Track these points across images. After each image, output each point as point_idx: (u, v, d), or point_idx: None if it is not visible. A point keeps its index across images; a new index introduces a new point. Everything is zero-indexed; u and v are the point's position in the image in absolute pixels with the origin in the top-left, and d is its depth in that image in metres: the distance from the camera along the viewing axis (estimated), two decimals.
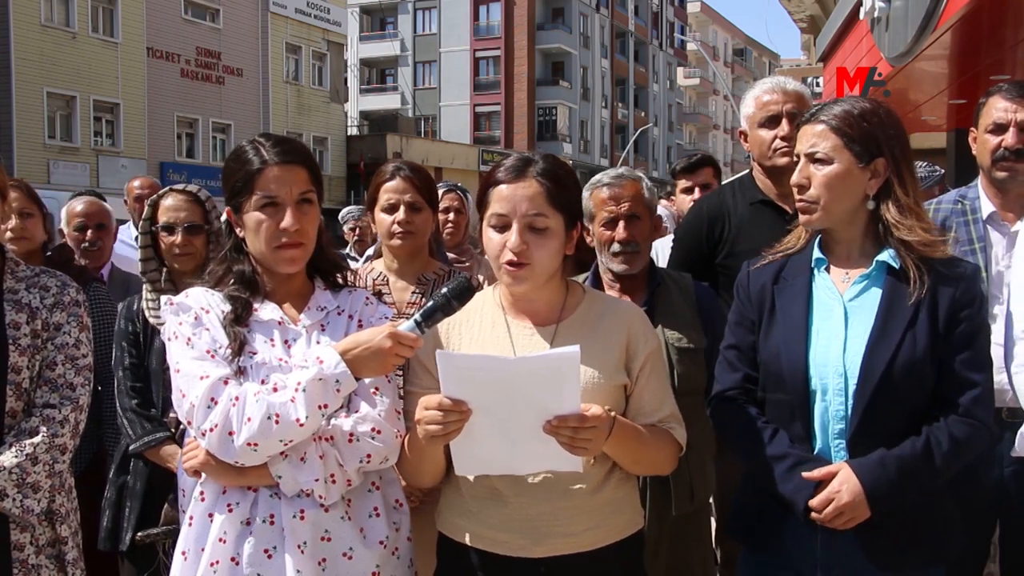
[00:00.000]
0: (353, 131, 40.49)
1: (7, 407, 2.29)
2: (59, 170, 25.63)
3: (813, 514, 2.13)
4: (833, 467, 2.14)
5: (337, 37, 36.27)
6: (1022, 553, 3.04)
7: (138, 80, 27.99)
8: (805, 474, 2.14)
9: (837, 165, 2.18)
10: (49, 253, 3.78)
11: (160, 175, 28.01)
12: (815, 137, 2.21)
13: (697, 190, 5.00)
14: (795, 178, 2.24)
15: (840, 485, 2.10)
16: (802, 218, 2.26)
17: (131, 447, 3.14)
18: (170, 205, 3.26)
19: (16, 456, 2.24)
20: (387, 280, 3.03)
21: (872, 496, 2.09)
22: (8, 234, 3.39)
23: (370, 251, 4.54)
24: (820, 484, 2.13)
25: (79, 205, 4.38)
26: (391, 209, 2.98)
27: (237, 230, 2.22)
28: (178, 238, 3.22)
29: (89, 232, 4.30)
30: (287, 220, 2.13)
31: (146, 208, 3.29)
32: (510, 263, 2.07)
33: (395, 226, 2.95)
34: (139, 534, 3.05)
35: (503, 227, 2.08)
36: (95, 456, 3.62)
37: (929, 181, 4.81)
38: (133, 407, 3.16)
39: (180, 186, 3.37)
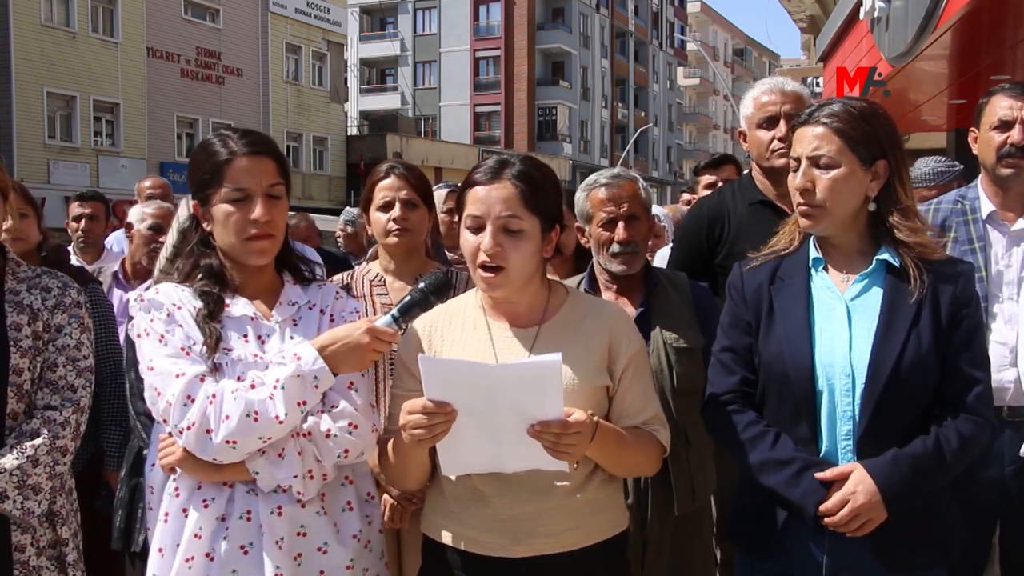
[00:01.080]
0: (353, 131, 40.48)
1: (8, 409, 2.29)
2: (59, 170, 25.61)
3: (826, 519, 2.08)
4: (845, 467, 2.10)
5: (337, 37, 36.25)
6: (1023, 552, 3.05)
7: (138, 80, 27.97)
8: (818, 475, 2.10)
9: (844, 169, 2.14)
10: (44, 254, 3.78)
11: (160, 175, 27.91)
12: (817, 140, 2.16)
13: (720, 184, 5.07)
14: (799, 182, 2.18)
15: (855, 486, 2.06)
16: (804, 223, 2.22)
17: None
18: None
19: (17, 458, 2.23)
20: (384, 281, 3.01)
21: (888, 496, 2.05)
22: (3, 235, 3.39)
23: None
24: (831, 487, 2.10)
25: (151, 207, 4.38)
26: (386, 207, 2.97)
27: (204, 224, 2.20)
28: None
29: (162, 236, 4.33)
30: (257, 211, 2.13)
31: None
32: (484, 266, 2.07)
33: (391, 223, 2.94)
34: None
35: (478, 228, 2.08)
36: (93, 457, 3.62)
37: (948, 176, 4.79)
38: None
39: None
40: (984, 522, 2.98)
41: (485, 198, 2.08)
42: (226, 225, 2.15)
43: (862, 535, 2.09)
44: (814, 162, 2.17)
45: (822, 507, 2.09)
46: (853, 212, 2.19)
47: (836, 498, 2.08)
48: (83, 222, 4.99)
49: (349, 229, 7.40)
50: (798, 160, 2.20)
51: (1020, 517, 2.98)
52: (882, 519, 2.07)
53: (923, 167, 4.91)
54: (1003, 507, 2.98)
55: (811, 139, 2.17)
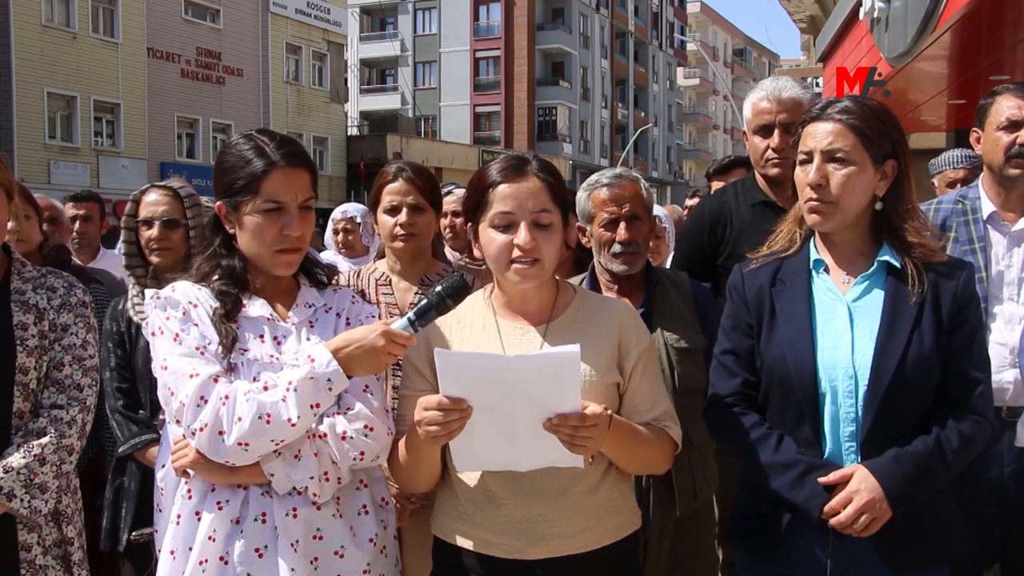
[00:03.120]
0: (353, 131, 40.43)
1: (15, 408, 2.30)
2: (59, 170, 25.61)
3: (832, 520, 2.07)
4: (847, 470, 2.10)
5: (337, 37, 36.24)
6: (1022, 553, 3.05)
7: (138, 80, 27.97)
8: (821, 479, 2.09)
9: (858, 166, 2.13)
10: (45, 254, 3.80)
11: (160, 175, 27.97)
12: (831, 135, 2.14)
13: None
14: (812, 177, 2.15)
15: (858, 485, 2.06)
16: (813, 219, 2.19)
17: (120, 449, 3.16)
18: (150, 200, 3.32)
19: (24, 457, 2.24)
20: (390, 281, 3.02)
21: (892, 494, 2.05)
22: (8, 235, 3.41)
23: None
24: (835, 489, 2.09)
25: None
26: (393, 211, 2.97)
27: (227, 226, 2.19)
28: (155, 232, 3.26)
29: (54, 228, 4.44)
30: (292, 228, 2.12)
31: (129, 204, 3.35)
32: (520, 260, 2.07)
33: (397, 228, 2.95)
34: (133, 534, 3.08)
35: (507, 226, 2.07)
36: (93, 457, 3.63)
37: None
38: (119, 408, 3.17)
39: (162, 182, 3.43)
40: (983, 523, 2.99)
41: (515, 194, 2.07)
42: (256, 236, 2.13)
43: (868, 535, 2.08)
44: (828, 156, 2.14)
45: (827, 507, 2.08)
46: (861, 210, 2.18)
47: (840, 497, 2.07)
48: (78, 223, 4.97)
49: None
50: (809, 154, 2.17)
51: (1019, 519, 2.98)
52: (887, 517, 2.07)
53: (950, 153, 4.88)
54: (1002, 508, 2.98)
55: (825, 134, 2.15)
